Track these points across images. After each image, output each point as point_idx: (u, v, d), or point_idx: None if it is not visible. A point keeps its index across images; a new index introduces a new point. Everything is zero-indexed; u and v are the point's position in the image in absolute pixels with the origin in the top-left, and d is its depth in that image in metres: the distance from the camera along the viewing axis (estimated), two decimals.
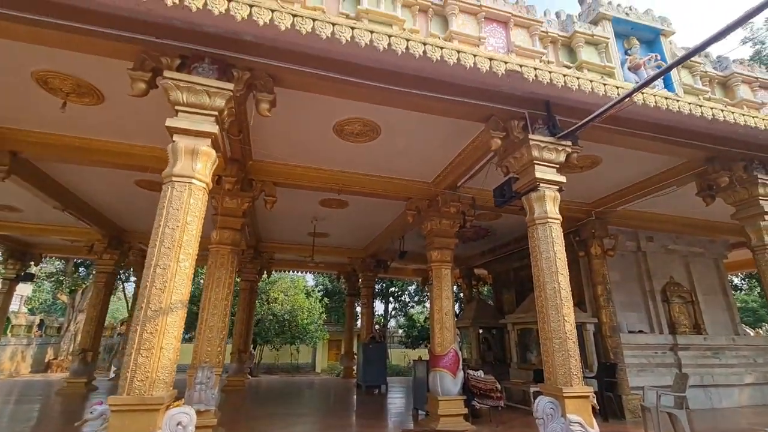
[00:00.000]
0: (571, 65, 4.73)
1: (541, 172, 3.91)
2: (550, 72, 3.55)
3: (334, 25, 3.05)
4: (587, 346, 7.08)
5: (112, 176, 6.56)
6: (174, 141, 3.09)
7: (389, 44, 3.17)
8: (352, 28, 3.11)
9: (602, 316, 7.07)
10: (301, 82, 3.62)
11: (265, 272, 12.46)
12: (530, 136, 3.92)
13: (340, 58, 3.40)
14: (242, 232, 5.98)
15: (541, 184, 3.91)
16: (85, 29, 3.09)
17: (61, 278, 20.90)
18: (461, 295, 16.61)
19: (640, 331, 7.71)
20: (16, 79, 4.10)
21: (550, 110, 4.05)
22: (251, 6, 2.90)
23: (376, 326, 14.43)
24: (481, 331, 9.85)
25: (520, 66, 3.48)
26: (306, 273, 17.84)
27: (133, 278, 20.43)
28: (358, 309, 14.98)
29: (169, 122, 3.09)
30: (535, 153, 3.91)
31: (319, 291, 22.97)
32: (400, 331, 25.26)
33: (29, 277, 11.60)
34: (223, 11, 2.84)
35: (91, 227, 8.82)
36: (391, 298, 24.24)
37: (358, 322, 15.51)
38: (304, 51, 3.32)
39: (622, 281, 8.05)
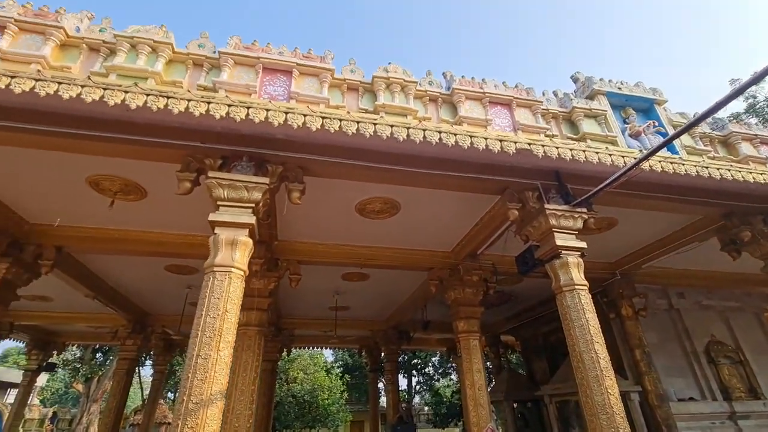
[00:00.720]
0: (574, 136, 5.06)
1: (562, 240, 4.02)
2: (557, 147, 3.83)
3: (358, 122, 3.44)
4: (635, 418, 6.54)
5: (142, 263, 6.87)
6: (215, 233, 3.34)
7: (408, 135, 3.52)
8: (374, 124, 3.49)
9: (646, 383, 6.63)
10: (328, 170, 3.97)
11: (285, 350, 12.18)
12: (546, 205, 4.10)
13: (363, 148, 3.75)
14: (268, 312, 6.05)
15: (563, 252, 4.00)
16: (142, 140, 3.54)
17: (77, 366, 20.58)
18: (488, 364, 15.76)
19: (691, 399, 7.13)
20: (72, 184, 4.56)
21: (561, 180, 4.28)
22: (286, 113, 3.32)
23: (403, 405, 13.56)
24: (515, 405, 9.20)
25: (529, 144, 3.77)
26: (326, 348, 17.34)
27: (148, 362, 20.05)
28: (380, 385, 14.23)
29: (212, 216, 3.37)
30: (553, 221, 4.05)
31: (338, 367, 22.03)
32: (426, 408, 23.56)
33: (51, 367, 11.55)
34: (263, 119, 3.25)
35: (118, 312, 8.97)
36: (414, 371, 22.99)
37: (381, 399, 14.60)
38: (331, 144, 3.69)
39: (660, 343, 7.64)
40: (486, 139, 3.70)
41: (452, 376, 23.25)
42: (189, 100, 3.16)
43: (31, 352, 11.12)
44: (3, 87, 2.85)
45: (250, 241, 3.44)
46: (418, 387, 23.63)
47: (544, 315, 9.35)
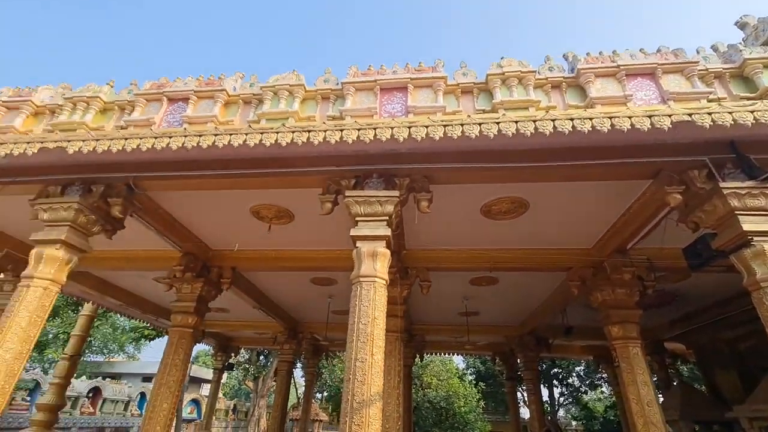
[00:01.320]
0: (751, 95, 4.09)
1: (751, 224, 3.26)
2: (730, 112, 3.14)
3: (480, 124, 3.39)
4: None
5: (292, 277, 7.88)
6: (357, 247, 3.65)
7: (535, 128, 3.32)
8: (497, 122, 3.40)
9: None
10: (454, 176, 3.99)
11: (418, 356, 12.50)
12: (721, 184, 3.39)
13: (488, 150, 3.68)
14: (402, 318, 6.31)
15: (755, 238, 3.23)
16: (290, 172, 4.11)
17: (247, 366, 24.49)
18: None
19: None
20: (239, 214, 5.54)
21: (739, 151, 3.49)
22: (409, 127, 3.47)
23: (548, 417, 12.54)
24: (697, 427, 7.67)
25: (689, 114, 3.19)
26: (456, 354, 17.19)
27: (298, 364, 22.78)
28: (519, 395, 13.41)
29: (353, 232, 3.70)
30: (735, 202, 3.32)
31: (471, 374, 21.56)
32: (574, 423, 21.30)
33: (231, 367, 14.01)
34: (389, 137, 3.47)
35: (276, 320, 10.45)
36: (555, 381, 21.09)
37: (521, 410, 13.73)
38: (455, 150, 3.72)
39: None
40: (630, 117, 3.25)
41: (602, 389, 20.60)
42: (325, 131, 3.56)
43: (216, 354, 13.71)
44: (195, 145, 3.64)
45: (388, 252, 3.66)
46: (561, 399, 21.56)
47: (728, 317, 7.64)
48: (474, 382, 19.92)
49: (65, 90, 5.50)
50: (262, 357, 23.85)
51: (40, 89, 5.48)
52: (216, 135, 3.71)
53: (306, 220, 5.59)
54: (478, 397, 17.68)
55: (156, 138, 3.77)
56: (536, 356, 10.97)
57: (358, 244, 3.65)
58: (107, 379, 14.42)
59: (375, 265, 3.52)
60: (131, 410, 15.38)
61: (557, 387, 21.25)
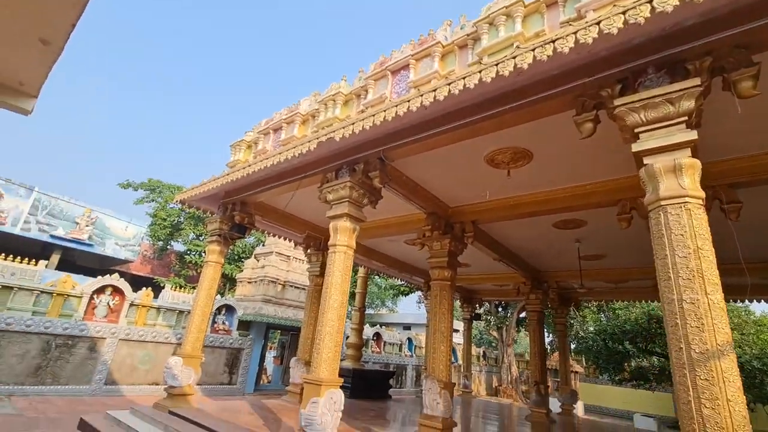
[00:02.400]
0: None
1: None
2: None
3: None
4: None
5: (532, 224, 7.39)
6: (646, 164, 2.87)
7: None
8: None
9: None
10: None
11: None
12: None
13: None
14: None
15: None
16: (530, 101, 3.63)
17: (488, 317, 25.73)
18: None
19: None
20: (473, 166, 5.46)
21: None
22: None
23: None
24: None
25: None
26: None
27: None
28: None
29: (636, 147, 2.93)
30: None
31: None
32: None
33: (478, 317, 14.91)
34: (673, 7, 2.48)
35: (517, 271, 10.27)
36: None
37: None
38: None
39: None
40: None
41: None
42: (575, 32, 2.88)
43: (462, 305, 14.83)
44: (432, 100, 3.64)
45: (696, 162, 2.73)
46: None
47: None
48: None
49: (316, 96, 6.68)
50: (500, 308, 24.54)
51: (302, 101, 6.85)
52: (449, 83, 3.61)
53: (546, 157, 5.00)
54: None
55: (396, 106, 4.00)
56: None
57: (647, 160, 2.86)
58: (382, 327, 17.85)
59: (681, 182, 2.68)
60: (404, 352, 18.67)
61: None
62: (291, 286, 13.70)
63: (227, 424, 5.44)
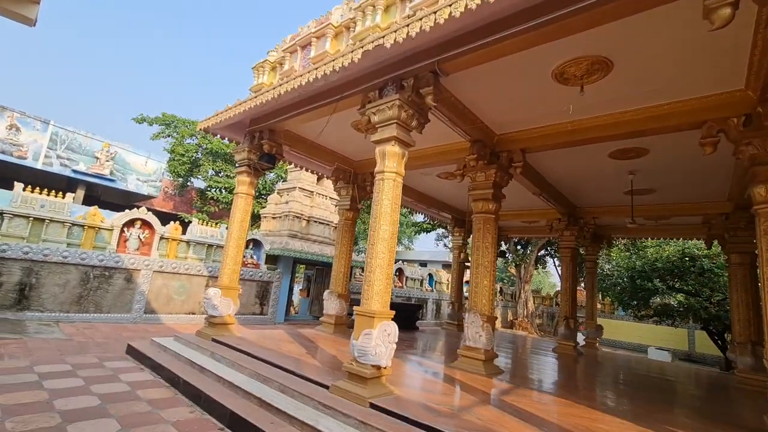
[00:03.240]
0: None
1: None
2: None
3: None
4: None
5: (583, 153, 6.75)
6: None
7: None
8: None
9: None
10: None
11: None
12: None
13: None
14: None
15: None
16: None
17: (507, 255, 25.81)
18: None
19: None
20: (538, 83, 4.75)
21: None
22: None
23: None
24: None
25: None
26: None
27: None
28: None
29: None
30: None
31: None
32: None
33: (503, 254, 14.74)
34: None
35: (554, 207, 9.77)
36: None
37: None
38: None
39: None
40: None
41: None
42: None
43: None
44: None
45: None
46: None
47: None
48: None
49: (349, 3, 5.81)
50: (519, 246, 24.48)
51: (333, 11, 5.98)
52: None
53: (628, 68, 4.27)
54: None
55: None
56: None
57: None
58: (404, 263, 18.00)
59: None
60: (424, 287, 19.02)
61: None
62: (315, 221, 13.57)
63: (271, 351, 5.47)
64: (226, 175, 19.92)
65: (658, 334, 21.33)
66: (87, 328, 7.88)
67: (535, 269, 27.03)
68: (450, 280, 15.03)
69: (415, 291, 18.12)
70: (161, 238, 9.83)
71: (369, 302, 4.12)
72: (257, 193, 19.25)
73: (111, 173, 16.12)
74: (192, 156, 19.41)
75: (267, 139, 6.70)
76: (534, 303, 25.06)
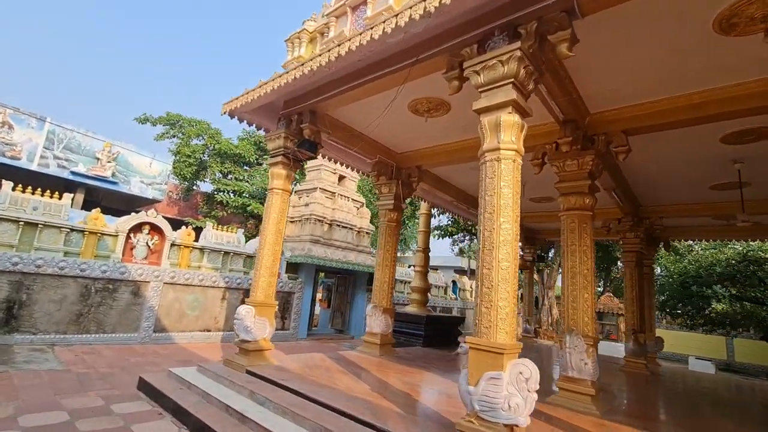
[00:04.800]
0: None
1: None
2: None
3: None
4: None
5: (687, 138, 5.60)
6: None
7: None
8: None
9: None
10: None
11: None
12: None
13: None
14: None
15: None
16: None
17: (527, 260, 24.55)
18: None
19: None
20: (690, 35, 3.58)
21: None
22: None
23: None
24: None
25: None
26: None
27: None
28: None
29: None
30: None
31: None
32: None
33: (542, 259, 13.53)
34: None
35: (620, 206, 8.59)
36: None
37: None
38: None
39: None
40: None
41: None
42: None
43: (524, 246, 13.44)
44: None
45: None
46: None
47: None
48: None
49: None
50: (539, 250, 23.26)
51: None
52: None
53: None
54: None
55: None
56: None
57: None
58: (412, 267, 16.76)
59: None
60: (449, 295, 17.76)
61: None
62: (338, 225, 12.36)
63: (328, 390, 4.23)
64: (235, 178, 18.73)
65: (692, 342, 20.10)
66: (87, 352, 6.63)
67: (559, 273, 25.75)
68: (473, 287, 13.81)
69: (439, 300, 16.84)
70: (172, 244, 8.61)
71: (491, 332, 2.90)
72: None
73: (113, 175, 14.89)
74: (199, 157, 18.22)
75: (309, 122, 5.51)
76: (560, 308, 23.78)
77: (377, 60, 4.42)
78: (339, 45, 4.18)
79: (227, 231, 9.92)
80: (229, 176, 18.97)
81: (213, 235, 9.46)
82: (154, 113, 18.81)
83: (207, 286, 8.87)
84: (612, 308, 20.80)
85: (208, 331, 8.82)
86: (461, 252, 27.46)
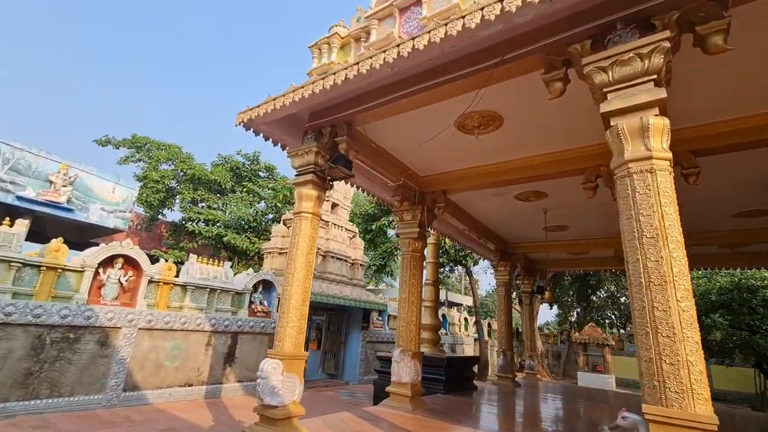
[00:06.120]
0: None
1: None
2: None
3: None
4: None
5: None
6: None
7: None
8: None
9: None
10: None
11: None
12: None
13: None
14: None
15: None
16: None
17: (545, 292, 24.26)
18: None
19: None
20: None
21: None
22: None
23: None
24: None
25: None
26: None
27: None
28: None
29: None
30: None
31: None
32: None
33: (542, 290, 13.07)
34: None
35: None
36: None
37: None
38: None
39: None
40: None
41: None
42: None
43: (523, 277, 13.05)
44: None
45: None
46: None
47: None
48: None
49: None
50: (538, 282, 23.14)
51: None
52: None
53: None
54: None
55: None
56: None
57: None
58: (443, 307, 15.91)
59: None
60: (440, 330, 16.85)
61: None
62: (332, 257, 11.35)
63: None
64: (208, 206, 17.24)
65: None
66: (36, 426, 5.09)
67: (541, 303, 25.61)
68: (494, 323, 13.09)
69: (449, 338, 15.87)
70: (150, 281, 7.24)
71: (685, 399, 2.13)
72: (244, 226, 16.63)
73: (68, 201, 13.02)
74: (167, 184, 16.66)
75: (346, 134, 4.72)
76: (542, 341, 23.43)
77: (435, 66, 3.76)
78: (399, 45, 3.49)
79: (214, 264, 8.64)
80: (201, 204, 17.45)
81: (197, 269, 8.15)
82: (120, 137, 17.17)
83: (190, 330, 7.49)
84: (597, 338, 20.56)
85: (190, 385, 7.35)
86: (441, 283, 26.84)
